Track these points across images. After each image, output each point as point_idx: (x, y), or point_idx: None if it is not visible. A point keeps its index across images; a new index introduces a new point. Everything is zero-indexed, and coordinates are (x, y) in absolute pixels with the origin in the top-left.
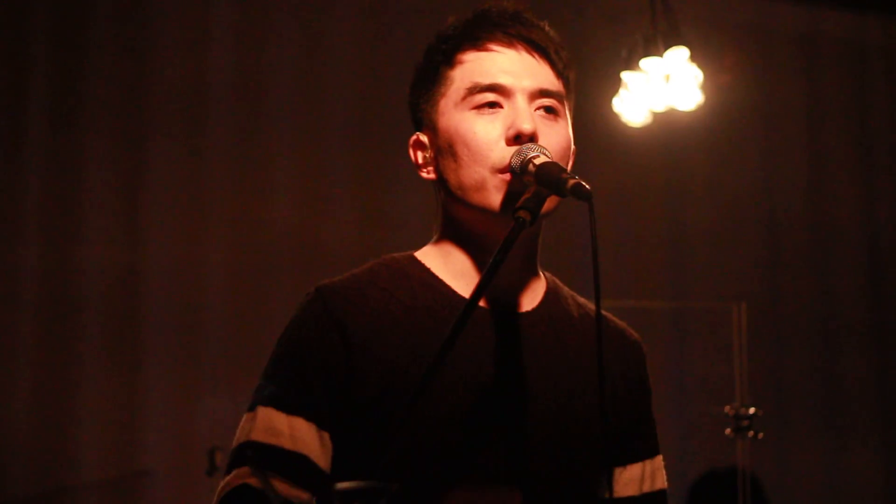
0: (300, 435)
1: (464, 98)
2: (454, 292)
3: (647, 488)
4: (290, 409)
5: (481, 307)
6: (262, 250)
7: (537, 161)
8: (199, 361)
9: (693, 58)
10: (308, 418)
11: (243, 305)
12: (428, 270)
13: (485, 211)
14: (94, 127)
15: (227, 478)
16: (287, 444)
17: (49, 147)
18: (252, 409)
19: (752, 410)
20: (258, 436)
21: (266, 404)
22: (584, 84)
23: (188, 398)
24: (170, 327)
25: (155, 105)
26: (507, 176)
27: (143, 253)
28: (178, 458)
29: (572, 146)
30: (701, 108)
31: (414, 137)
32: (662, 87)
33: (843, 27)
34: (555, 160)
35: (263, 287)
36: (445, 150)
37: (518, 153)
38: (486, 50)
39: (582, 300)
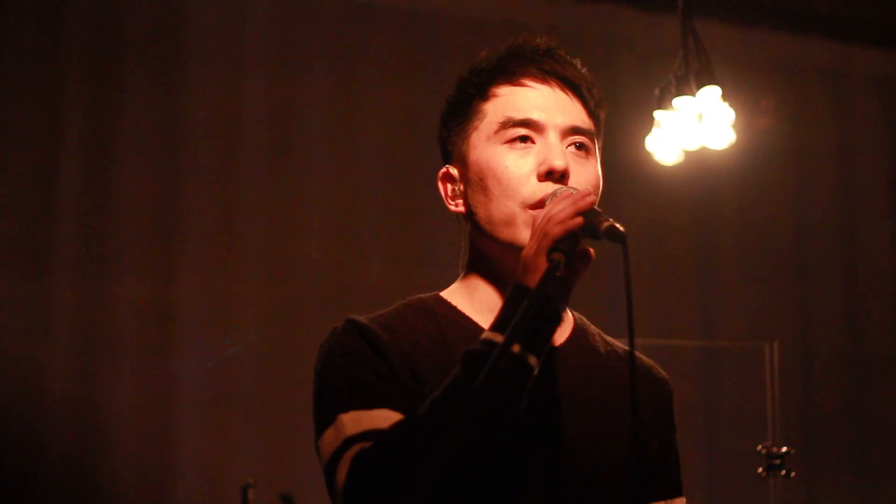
0: (390, 416)
1: (496, 132)
2: (481, 328)
3: None
4: (369, 404)
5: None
6: (294, 286)
7: None
8: (232, 398)
9: (725, 96)
10: (391, 407)
11: (275, 341)
12: (455, 309)
13: (513, 246)
14: (127, 162)
15: (346, 455)
16: (383, 425)
17: (83, 181)
18: (330, 422)
19: (784, 449)
20: (351, 431)
21: (344, 410)
22: (616, 123)
23: (221, 435)
24: (202, 364)
25: (188, 141)
26: (540, 212)
27: (176, 289)
28: (211, 496)
29: (601, 184)
30: (733, 147)
31: (444, 170)
32: (695, 126)
33: (874, 63)
34: None
35: (296, 324)
36: (476, 183)
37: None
38: (520, 85)
39: (609, 338)
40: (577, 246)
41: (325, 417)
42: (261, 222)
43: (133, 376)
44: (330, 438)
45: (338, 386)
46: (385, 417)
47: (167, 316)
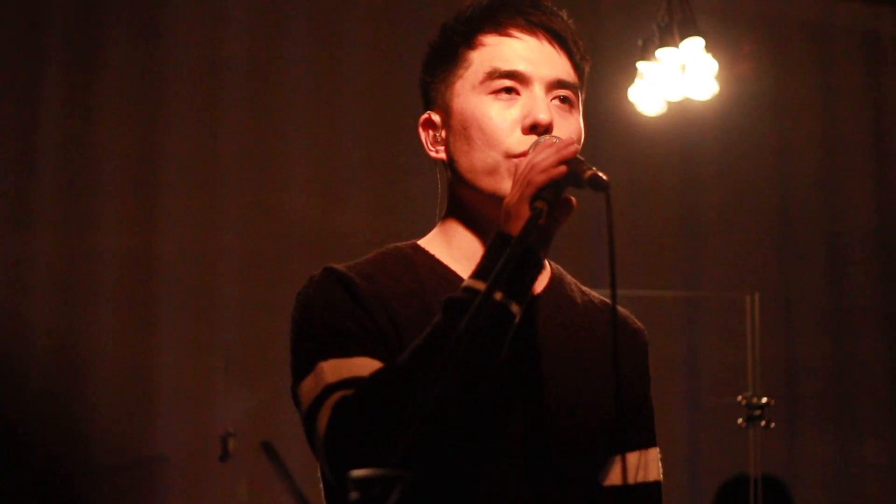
0: (370, 364)
1: (482, 81)
2: (460, 277)
3: (639, 478)
4: (349, 352)
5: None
6: (276, 237)
7: None
8: (213, 347)
9: (708, 48)
10: (370, 355)
11: (257, 292)
12: (432, 256)
13: (494, 196)
14: (107, 114)
15: (327, 403)
16: (364, 373)
17: (62, 134)
18: (308, 370)
19: (764, 400)
20: (331, 379)
21: (324, 358)
22: (599, 73)
23: (201, 384)
24: (183, 314)
25: (169, 93)
26: (522, 161)
27: (157, 239)
28: (191, 444)
29: (583, 137)
30: (716, 98)
31: (425, 116)
32: (678, 76)
33: (857, 17)
34: None
35: (277, 274)
36: (459, 131)
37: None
38: (507, 35)
39: (585, 288)
40: (560, 194)
41: (303, 365)
42: (242, 172)
43: (113, 326)
44: (309, 386)
45: (317, 333)
46: (365, 365)
47: (147, 266)
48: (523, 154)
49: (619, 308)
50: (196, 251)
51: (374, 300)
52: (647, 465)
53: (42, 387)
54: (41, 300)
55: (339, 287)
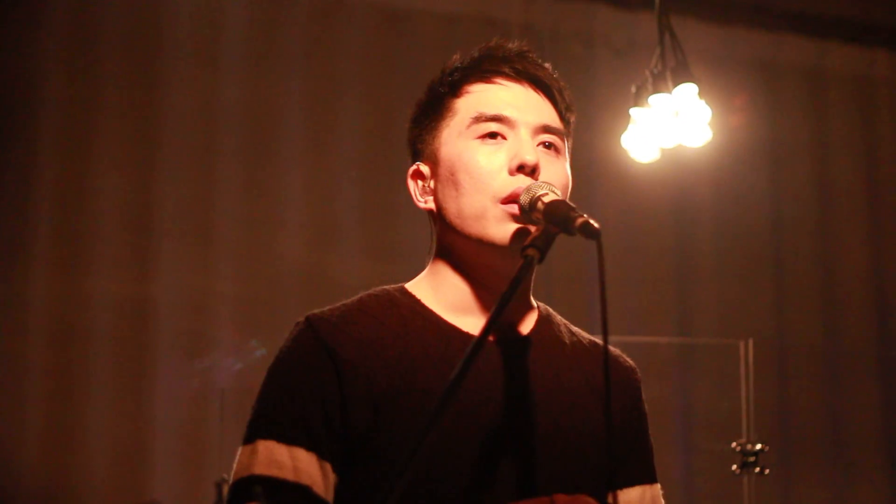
0: (302, 466)
1: (468, 126)
2: (444, 321)
3: None
4: (290, 440)
5: (474, 335)
6: (270, 282)
7: (546, 199)
8: (209, 393)
9: (702, 94)
10: (309, 448)
11: (251, 336)
12: (418, 301)
13: (483, 241)
14: (103, 159)
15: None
16: (290, 476)
17: (59, 178)
18: (250, 441)
19: (758, 447)
20: (260, 469)
21: (265, 437)
22: (592, 119)
23: (196, 429)
24: (178, 359)
25: (164, 138)
26: (512, 207)
27: (152, 284)
28: (185, 489)
29: (570, 184)
30: (709, 144)
31: (414, 168)
32: (671, 123)
33: (851, 61)
34: (563, 198)
35: (271, 318)
36: (446, 178)
37: (527, 190)
38: (493, 83)
39: (575, 329)
40: (551, 242)
41: (249, 429)
42: (237, 218)
43: (108, 370)
44: (243, 461)
45: (270, 407)
46: (299, 459)
47: (142, 310)
48: (511, 196)
49: (610, 348)
50: (191, 296)
51: (349, 365)
52: (654, 500)
53: (35, 430)
54: (36, 343)
55: (313, 350)
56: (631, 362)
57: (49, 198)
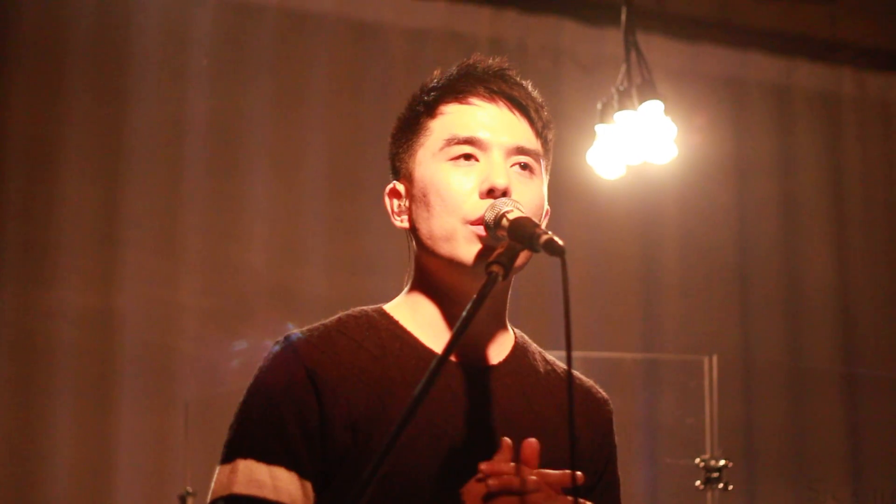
0: (283, 485)
1: (441, 149)
2: (422, 344)
3: None
4: (270, 458)
5: (449, 360)
6: (236, 295)
7: (511, 216)
8: (172, 406)
9: (668, 111)
10: (289, 467)
11: (216, 350)
12: (396, 323)
13: (452, 262)
14: (69, 170)
15: None
16: (270, 495)
17: (24, 190)
18: (229, 460)
19: (722, 462)
20: (240, 488)
21: (245, 456)
22: (558, 136)
23: (160, 443)
24: (143, 372)
25: (130, 150)
26: (480, 229)
27: (117, 296)
28: (150, 502)
29: (546, 206)
30: (675, 161)
31: (391, 186)
32: (637, 140)
33: (817, 79)
34: (528, 215)
35: (237, 332)
36: (419, 199)
37: (492, 207)
38: (468, 103)
39: (550, 357)
40: (515, 259)
41: (228, 449)
42: (203, 231)
43: (71, 382)
44: (222, 480)
45: (250, 426)
46: (279, 478)
47: (107, 323)
48: (480, 220)
49: (584, 378)
50: (156, 308)
51: (329, 386)
52: None
53: None
54: None
55: (294, 371)
56: (604, 394)
57: (14, 209)
